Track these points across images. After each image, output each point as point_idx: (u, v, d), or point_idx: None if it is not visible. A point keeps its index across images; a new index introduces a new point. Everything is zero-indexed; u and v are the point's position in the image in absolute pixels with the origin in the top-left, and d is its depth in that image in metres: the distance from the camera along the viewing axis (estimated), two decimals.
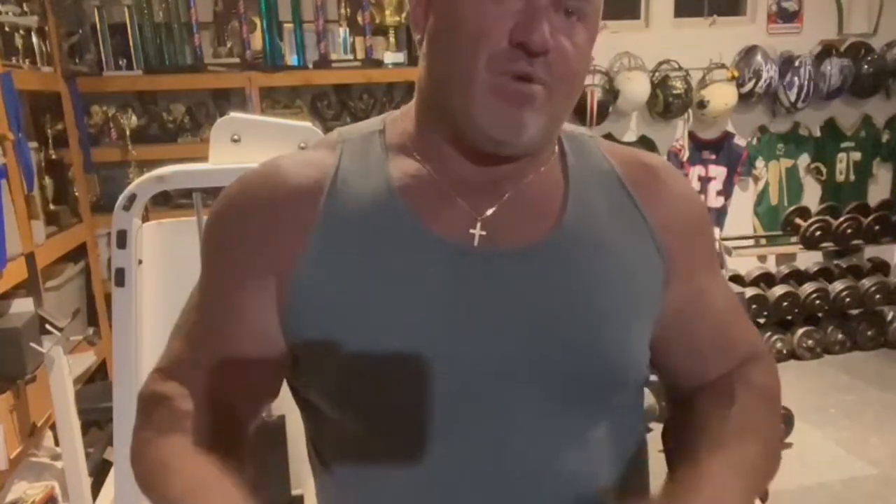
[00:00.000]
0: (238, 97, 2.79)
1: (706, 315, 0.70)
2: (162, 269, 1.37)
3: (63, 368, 1.66)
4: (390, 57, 2.83)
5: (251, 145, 1.30)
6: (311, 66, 2.80)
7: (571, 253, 0.63)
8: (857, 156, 3.69)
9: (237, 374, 0.64)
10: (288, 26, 2.82)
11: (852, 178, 3.70)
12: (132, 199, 1.23)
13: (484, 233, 0.63)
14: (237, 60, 2.78)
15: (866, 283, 3.37)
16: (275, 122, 1.34)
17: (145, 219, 1.35)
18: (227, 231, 0.65)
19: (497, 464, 0.61)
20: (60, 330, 1.75)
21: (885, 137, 3.70)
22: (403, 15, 2.85)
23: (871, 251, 3.57)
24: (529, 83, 0.59)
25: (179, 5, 2.71)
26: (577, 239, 0.64)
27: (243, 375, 0.64)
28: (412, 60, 2.88)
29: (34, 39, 2.29)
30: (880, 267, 3.53)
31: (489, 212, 0.63)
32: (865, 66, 3.47)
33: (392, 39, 2.85)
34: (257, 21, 2.77)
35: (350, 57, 2.86)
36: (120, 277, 1.25)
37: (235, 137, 1.28)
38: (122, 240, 1.23)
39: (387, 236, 0.62)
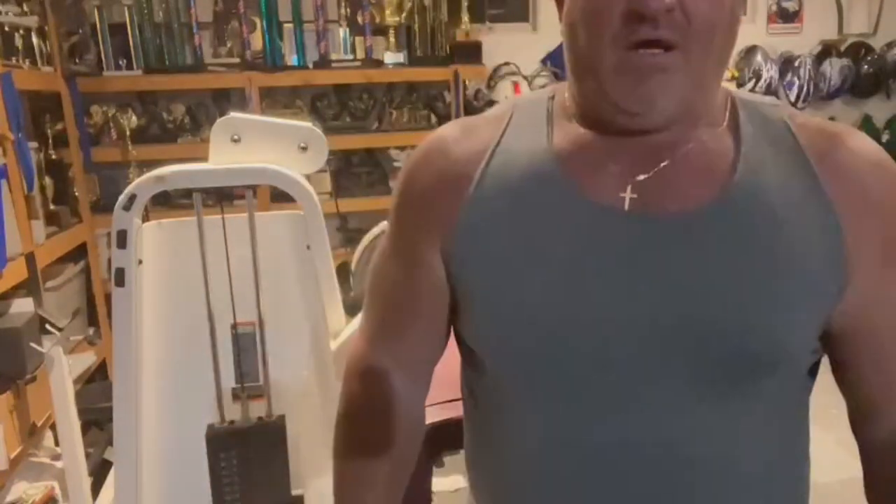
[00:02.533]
0: (238, 97, 2.79)
1: (894, 318, 0.63)
2: (162, 269, 1.37)
3: (63, 368, 1.66)
4: (390, 57, 2.84)
5: (251, 145, 1.30)
6: (311, 65, 2.81)
7: (733, 223, 0.60)
8: None
9: (419, 326, 0.72)
10: (288, 26, 2.82)
11: None
12: (132, 199, 1.23)
13: (635, 196, 0.61)
14: (237, 60, 2.78)
15: None
16: (275, 122, 1.34)
17: (145, 219, 1.35)
18: (402, 197, 0.72)
19: (625, 432, 0.62)
20: (60, 330, 1.75)
21: (885, 137, 3.69)
22: (403, 15, 2.85)
23: None
24: (658, 50, 0.57)
25: (179, 5, 2.72)
26: (742, 209, 0.60)
27: (423, 326, 0.71)
28: (412, 60, 2.88)
29: (34, 39, 2.29)
30: None
31: (641, 177, 0.62)
32: (865, 67, 3.47)
33: (392, 39, 2.85)
34: (257, 21, 2.78)
35: (350, 57, 2.86)
36: (120, 277, 1.25)
37: (235, 137, 1.28)
38: (122, 240, 1.23)
39: (536, 198, 0.63)
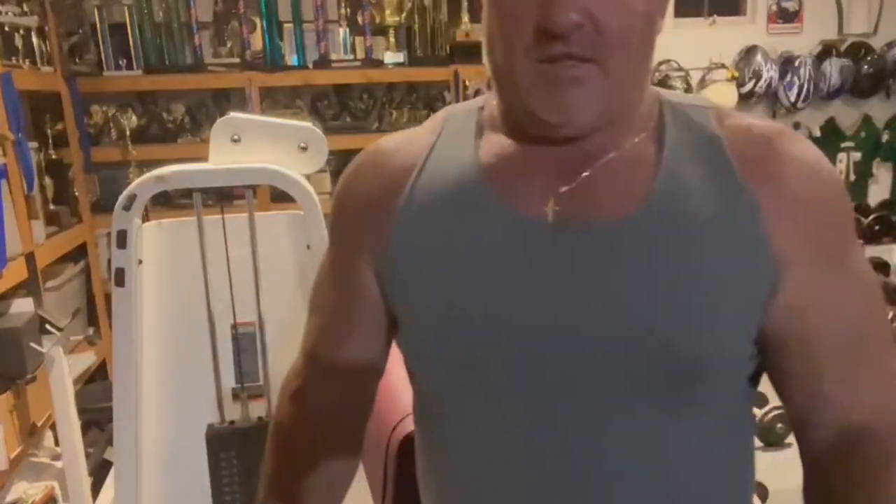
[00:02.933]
0: (238, 97, 2.79)
1: (827, 323, 0.60)
2: (162, 269, 1.37)
3: (63, 368, 1.66)
4: (390, 57, 2.83)
5: (251, 145, 1.30)
6: (311, 65, 2.80)
7: (654, 233, 0.59)
8: (857, 156, 3.69)
9: (356, 339, 0.71)
10: (288, 26, 2.82)
11: (852, 178, 3.70)
12: (132, 199, 1.23)
13: (558, 208, 0.61)
14: (237, 60, 2.78)
15: None
16: (274, 123, 1.34)
17: (145, 219, 1.35)
18: (337, 210, 0.72)
19: (553, 441, 0.61)
20: (60, 330, 1.75)
21: (885, 137, 3.69)
22: (403, 15, 2.85)
23: (871, 251, 3.57)
24: (571, 63, 0.56)
25: (179, 5, 2.71)
26: (663, 217, 0.59)
27: (360, 338, 0.71)
28: (412, 60, 2.88)
29: (34, 39, 2.29)
30: (880, 267, 3.53)
31: (564, 188, 0.61)
32: (865, 67, 3.46)
33: (392, 39, 2.85)
34: (257, 21, 2.77)
35: (350, 57, 2.86)
36: (120, 277, 1.25)
37: (235, 137, 1.28)
38: (122, 240, 1.23)
39: (463, 212, 0.63)
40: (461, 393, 0.65)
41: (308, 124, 1.34)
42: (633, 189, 0.60)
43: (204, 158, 1.32)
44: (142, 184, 1.24)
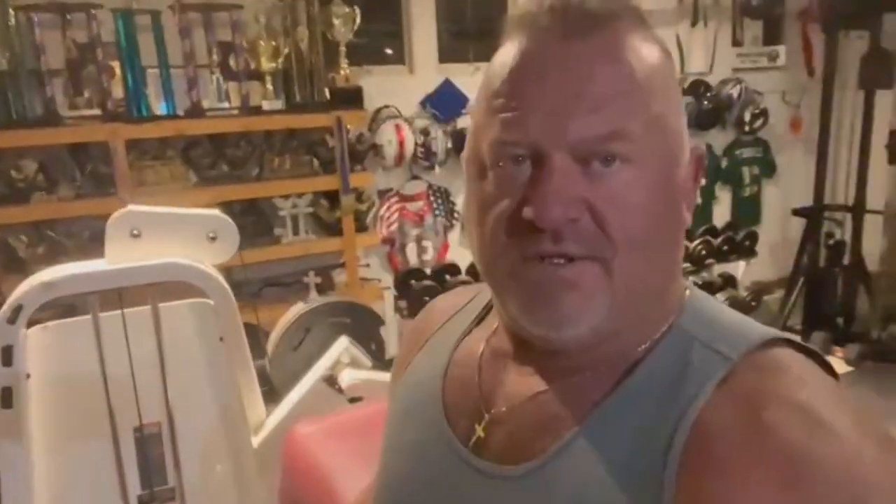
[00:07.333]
0: (99, 150, 2.56)
1: None
2: (52, 377, 1.23)
3: None
4: (269, 104, 2.74)
5: (153, 239, 1.20)
6: (182, 113, 2.64)
7: (536, 497, 0.47)
8: (701, 182, 4.08)
9: None
10: (152, 71, 2.64)
11: (699, 201, 4.09)
12: (17, 310, 1.09)
13: (482, 435, 0.52)
14: (98, 112, 2.55)
15: (720, 296, 3.74)
16: (178, 213, 1.25)
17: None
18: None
19: None
20: None
21: (724, 164, 4.13)
22: (280, 60, 2.78)
23: (720, 268, 3.96)
24: (559, 263, 0.45)
25: (25, 52, 2.45)
26: (549, 482, 0.47)
27: None
28: (291, 106, 2.80)
29: None
30: (729, 281, 3.93)
31: (502, 409, 0.52)
32: (705, 102, 3.86)
33: (269, 86, 2.76)
34: (116, 66, 2.57)
35: (225, 104, 2.73)
36: (7, 398, 1.10)
37: (135, 232, 1.18)
38: (7, 357, 1.09)
39: (421, 400, 0.58)
40: None
41: (216, 212, 1.27)
42: (556, 428, 0.48)
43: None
44: (28, 293, 1.11)
